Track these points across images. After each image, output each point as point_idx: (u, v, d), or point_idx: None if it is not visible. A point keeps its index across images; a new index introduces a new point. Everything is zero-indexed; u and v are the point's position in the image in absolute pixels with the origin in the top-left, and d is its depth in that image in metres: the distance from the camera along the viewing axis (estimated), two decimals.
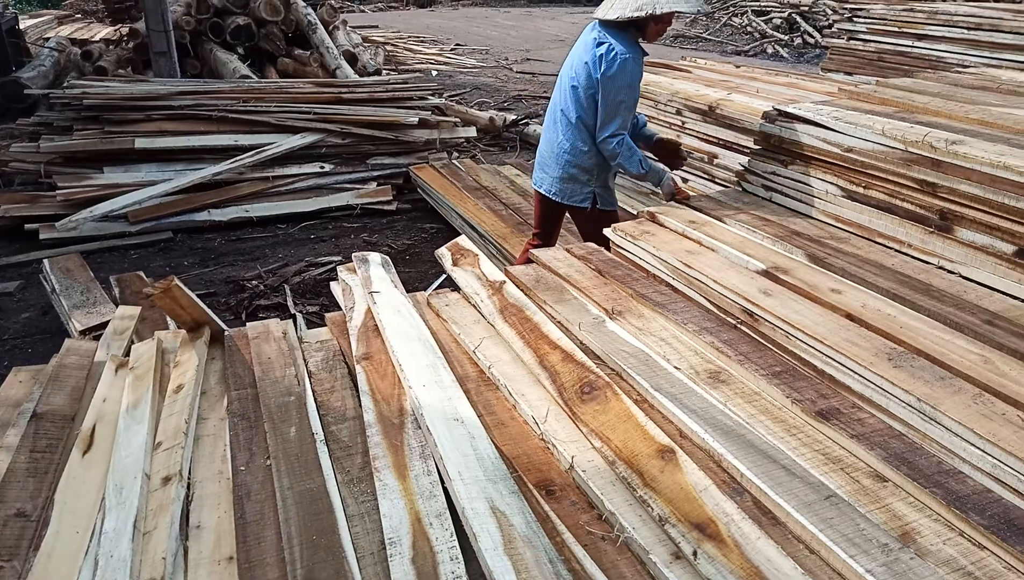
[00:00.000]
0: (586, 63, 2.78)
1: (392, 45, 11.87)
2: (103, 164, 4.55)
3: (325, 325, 2.16)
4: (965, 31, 5.24)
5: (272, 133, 4.81)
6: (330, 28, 7.87)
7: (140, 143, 4.56)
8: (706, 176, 3.94)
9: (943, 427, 1.39)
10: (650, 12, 2.64)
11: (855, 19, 6.09)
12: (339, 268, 2.41)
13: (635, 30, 2.79)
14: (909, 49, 5.60)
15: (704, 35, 14.80)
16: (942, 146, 1.92)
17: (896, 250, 2.03)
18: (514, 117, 6.90)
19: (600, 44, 2.75)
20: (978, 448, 1.33)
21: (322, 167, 4.77)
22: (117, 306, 2.88)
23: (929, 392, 1.45)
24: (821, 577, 1.16)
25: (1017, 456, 1.27)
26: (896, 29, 5.73)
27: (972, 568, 1.15)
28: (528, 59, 12.25)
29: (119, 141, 4.57)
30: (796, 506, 1.28)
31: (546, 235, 3.21)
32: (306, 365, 1.91)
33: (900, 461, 1.38)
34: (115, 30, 8.94)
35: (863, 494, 1.31)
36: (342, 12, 16.83)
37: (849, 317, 1.75)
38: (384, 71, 8.36)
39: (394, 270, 2.36)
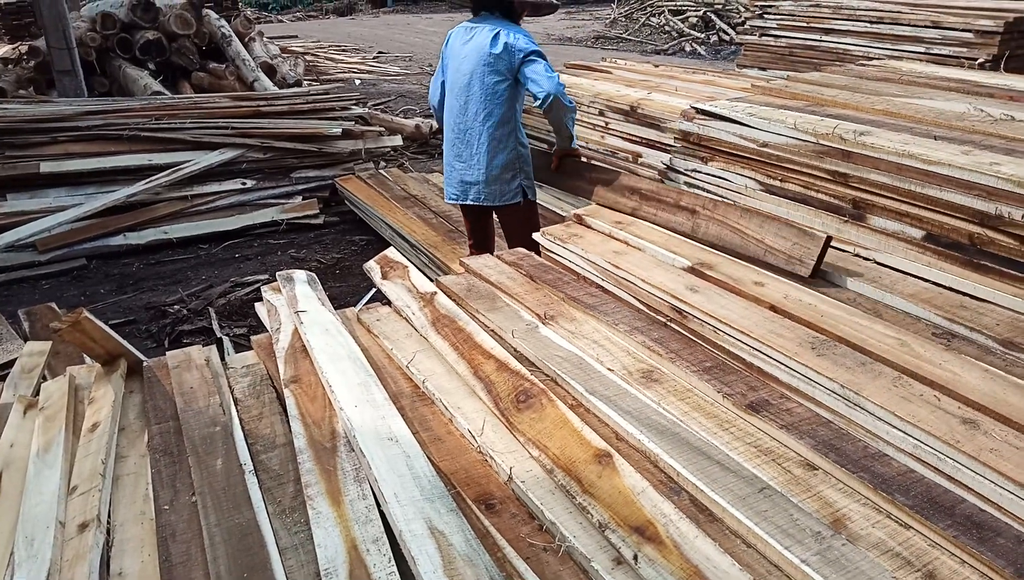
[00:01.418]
0: (495, 56, 2.86)
1: (312, 55, 11.65)
2: (6, 191, 4.31)
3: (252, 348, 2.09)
4: (868, 24, 5.48)
5: (189, 151, 4.64)
6: (246, 40, 7.67)
7: (46, 167, 4.33)
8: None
9: (866, 412, 1.43)
10: None
11: (766, 16, 6.29)
12: (263, 288, 2.33)
13: (511, 16, 3.00)
14: (818, 43, 5.82)
15: (624, 35, 15.07)
16: (851, 137, 1.99)
17: None
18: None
19: (498, 34, 2.88)
20: (900, 430, 1.37)
21: (244, 183, 4.63)
22: (27, 342, 2.72)
23: (851, 378, 1.50)
24: (759, 571, 1.17)
25: (935, 435, 1.32)
26: (804, 24, 5.95)
27: (900, 549, 1.18)
28: None
29: (23, 166, 4.33)
30: (731, 501, 1.29)
31: (481, 242, 3.20)
32: (232, 392, 1.83)
33: (828, 448, 1.41)
34: (14, 48, 8.48)
35: (795, 484, 1.34)
36: (258, 23, 16.42)
37: (773, 309, 1.79)
38: (305, 82, 8.20)
39: (321, 287, 2.30)
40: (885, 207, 1.90)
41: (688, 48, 13.08)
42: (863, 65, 3.01)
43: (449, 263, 3.45)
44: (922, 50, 5.08)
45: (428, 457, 1.53)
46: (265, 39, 8.82)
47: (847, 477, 1.34)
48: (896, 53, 5.21)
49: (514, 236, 3.02)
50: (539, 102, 2.87)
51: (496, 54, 2.87)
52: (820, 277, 1.91)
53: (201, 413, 1.70)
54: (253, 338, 2.15)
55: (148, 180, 4.41)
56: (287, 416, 1.70)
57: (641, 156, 3.96)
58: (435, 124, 6.78)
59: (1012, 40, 4.82)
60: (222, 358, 2.02)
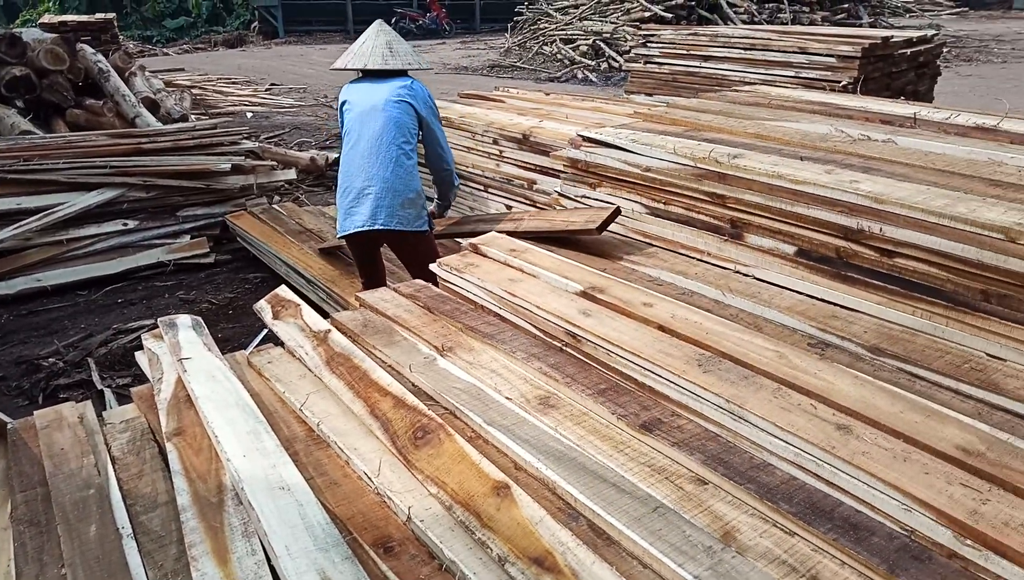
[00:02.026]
0: (411, 95, 3.13)
1: (200, 88, 11.28)
2: None
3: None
4: (742, 51, 5.81)
5: (63, 192, 4.37)
6: (126, 75, 7.34)
7: None
8: (527, 201, 4.05)
9: (750, 424, 1.49)
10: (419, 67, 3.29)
11: (648, 44, 6.57)
12: (144, 336, 2.21)
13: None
14: (698, 69, 6.12)
15: (518, 64, 15.40)
16: (725, 160, 2.09)
17: (698, 259, 2.18)
18: (337, 156, 6.76)
19: (405, 83, 3.16)
20: (781, 440, 1.43)
21: (125, 224, 4.40)
22: None
23: (736, 392, 1.55)
24: None
25: (813, 443, 1.38)
26: (685, 52, 6.25)
27: (785, 556, 1.23)
28: None
29: None
30: (627, 523, 1.30)
31: (374, 277, 3.17)
32: (109, 450, 1.71)
33: (717, 462, 1.46)
34: None
35: (687, 500, 1.37)
36: (142, 56, 15.79)
37: (661, 328, 1.84)
38: (192, 116, 7.91)
39: (207, 331, 2.20)
40: (760, 225, 2.00)
41: (580, 75, 13.50)
42: (736, 91, 3.18)
43: (348, 298, 3.38)
44: (792, 74, 5.43)
45: (323, 503, 1.48)
46: (147, 73, 8.47)
47: (735, 489, 1.39)
48: (769, 77, 5.55)
49: (416, 266, 3.02)
50: (438, 161, 3.22)
51: (412, 94, 3.13)
52: (703, 296, 1.99)
53: (73, 476, 1.58)
54: (133, 390, 2.02)
55: (17, 225, 4.12)
56: (171, 472, 1.61)
57: (536, 183, 4.02)
58: (331, 156, 6.68)
59: (869, 64, 5.24)
60: (100, 414, 1.89)
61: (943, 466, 1.31)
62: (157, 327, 2.25)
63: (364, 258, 3.20)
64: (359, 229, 3.02)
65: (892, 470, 1.31)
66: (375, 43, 3.22)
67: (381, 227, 2.99)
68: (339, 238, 3.18)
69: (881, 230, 1.74)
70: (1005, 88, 10.80)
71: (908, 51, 5.66)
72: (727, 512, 1.34)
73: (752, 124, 2.51)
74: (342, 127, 3.25)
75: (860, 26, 14.08)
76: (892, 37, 5.51)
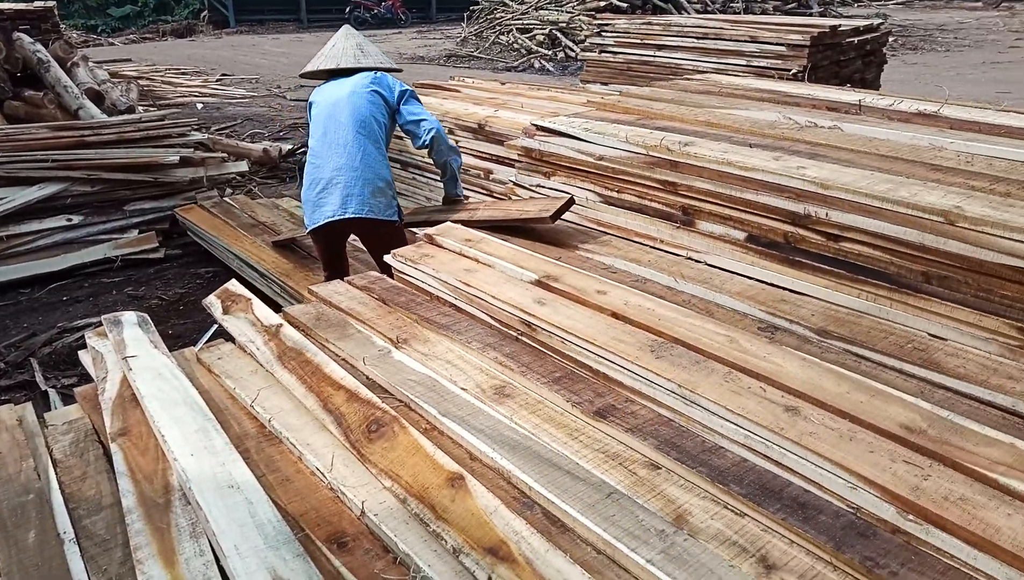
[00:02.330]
0: (377, 84, 3.10)
1: (148, 79, 10.97)
2: None
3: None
4: (695, 40, 5.86)
5: (2, 188, 4.21)
6: (68, 65, 7.07)
7: None
8: (484, 192, 4.03)
9: (702, 408, 1.51)
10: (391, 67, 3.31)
11: (603, 33, 6.59)
12: (87, 334, 2.14)
13: None
14: (652, 58, 6.16)
15: (475, 53, 15.32)
16: (676, 148, 2.10)
17: (652, 246, 2.19)
18: (291, 147, 6.65)
19: (376, 74, 3.17)
20: (732, 423, 1.45)
21: (69, 219, 4.26)
22: None
23: (687, 377, 1.57)
24: (609, 576, 1.19)
25: (762, 425, 1.40)
26: (639, 41, 6.28)
27: (736, 537, 1.25)
28: (302, 86, 11.90)
29: None
30: (581, 510, 1.31)
31: (338, 272, 3.13)
32: (50, 453, 1.66)
33: (670, 446, 1.47)
34: None
35: (640, 485, 1.38)
36: (86, 47, 15.30)
37: (615, 315, 1.85)
38: (140, 108, 7.68)
39: (154, 328, 2.14)
40: (711, 212, 2.02)
41: (537, 65, 13.49)
42: (688, 79, 3.21)
43: (303, 291, 3.33)
44: (744, 63, 5.51)
45: (275, 501, 1.45)
46: (91, 64, 8.19)
47: (687, 473, 1.40)
48: (722, 66, 5.61)
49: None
50: (421, 140, 3.11)
51: (377, 83, 3.11)
52: (656, 283, 2.01)
53: (11, 481, 1.52)
54: (77, 390, 1.96)
55: None
56: (116, 474, 1.56)
57: (492, 172, 4.01)
58: (284, 147, 6.56)
59: (818, 52, 5.33)
60: (42, 415, 1.83)
61: (887, 444, 1.35)
62: (102, 325, 2.18)
63: (330, 251, 3.15)
64: (330, 220, 2.97)
65: (838, 450, 1.33)
66: (345, 44, 3.25)
67: (352, 215, 2.94)
68: (308, 232, 3.12)
69: (827, 215, 1.77)
70: (949, 75, 11.12)
71: (855, 40, 5.78)
72: (679, 496, 1.35)
73: (703, 112, 2.53)
74: (310, 127, 3.23)
75: (810, 15, 14.33)
76: (840, 26, 5.62)
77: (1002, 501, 1.20)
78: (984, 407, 1.44)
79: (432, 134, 3.09)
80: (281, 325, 2.10)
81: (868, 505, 1.26)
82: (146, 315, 2.21)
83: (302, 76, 3.38)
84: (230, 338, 2.15)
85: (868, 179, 1.77)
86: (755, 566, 1.19)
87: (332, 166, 2.97)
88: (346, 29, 3.37)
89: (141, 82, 10.08)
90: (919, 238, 1.62)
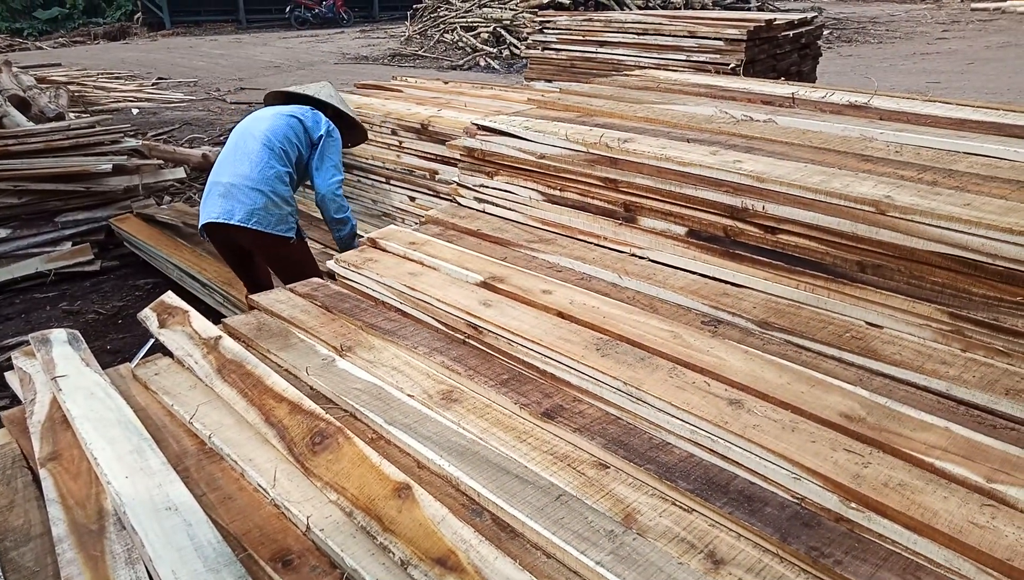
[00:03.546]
0: (298, 119, 3.09)
1: (79, 84, 10.57)
2: None
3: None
4: (636, 36, 5.91)
5: None
6: None
7: None
8: (431, 192, 3.99)
9: (648, 405, 1.51)
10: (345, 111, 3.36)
11: (545, 31, 6.60)
12: (14, 355, 2.04)
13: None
14: (594, 55, 6.19)
15: (420, 52, 15.20)
16: (616, 145, 2.11)
17: (595, 244, 2.19)
18: None
19: (309, 110, 3.17)
20: (677, 418, 1.46)
21: None
22: None
23: (633, 374, 1.57)
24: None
25: (707, 419, 1.41)
26: (581, 38, 6.31)
27: (684, 533, 1.25)
28: (242, 88, 11.65)
29: None
30: (530, 514, 1.30)
31: (256, 282, 3.08)
32: None
33: (618, 445, 1.47)
34: None
35: (589, 485, 1.38)
36: (11, 51, 14.70)
37: (560, 315, 1.84)
38: (71, 114, 7.39)
39: (86, 346, 2.05)
40: (652, 208, 2.03)
41: (483, 63, 13.45)
42: (627, 75, 3.22)
43: (245, 300, 3.25)
44: (683, 58, 5.58)
45: (216, 521, 1.40)
46: (15, 69, 7.86)
47: (635, 471, 1.40)
48: (663, 61, 5.68)
49: (286, 275, 2.94)
50: (317, 194, 3.09)
51: (305, 114, 3.11)
52: (601, 280, 2.01)
53: None
54: (3, 414, 1.87)
55: None
56: (45, 501, 1.49)
57: (438, 173, 3.97)
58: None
59: (755, 46, 5.43)
60: None
61: (828, 433, 1.37)
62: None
63: (230, 259, 3.11)
64: (212, 220, 2.94)
65: (781, 441, 1.35)
66: (321, 85, 3.39)
67: (238, 223, 2.88)
68: (201, 234, 3.08)
69: (764, 208, 1.80)
70: (882, 67, 11.48)
71: (791, 33, 5.91)
72: (628, 494, 1.35)
73: (642, 108, 2.54)
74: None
75: (749, 10, 14.63)
76: (775, 20, 5.73)
77: (939, 485, 1.23)
78: (920, 392, 1.48)
79: (324, 192, 3.04)
80: (220, 337, 2.03)
81: (812, 495, 1.28)
82: (77, 332, 2.12)
83: (266, 98, 3.34)
84: (168, 353, 2.08)
85: (802, 171, 1.80)
86: (703, 562, 1.20)
87: (231, 173, 2.95)
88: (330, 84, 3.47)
89: (71, 87, 9.71)
90: (852, 228, 1.65)
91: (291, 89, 3.29)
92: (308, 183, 3.21)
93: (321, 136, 3.09)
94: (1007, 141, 2.01)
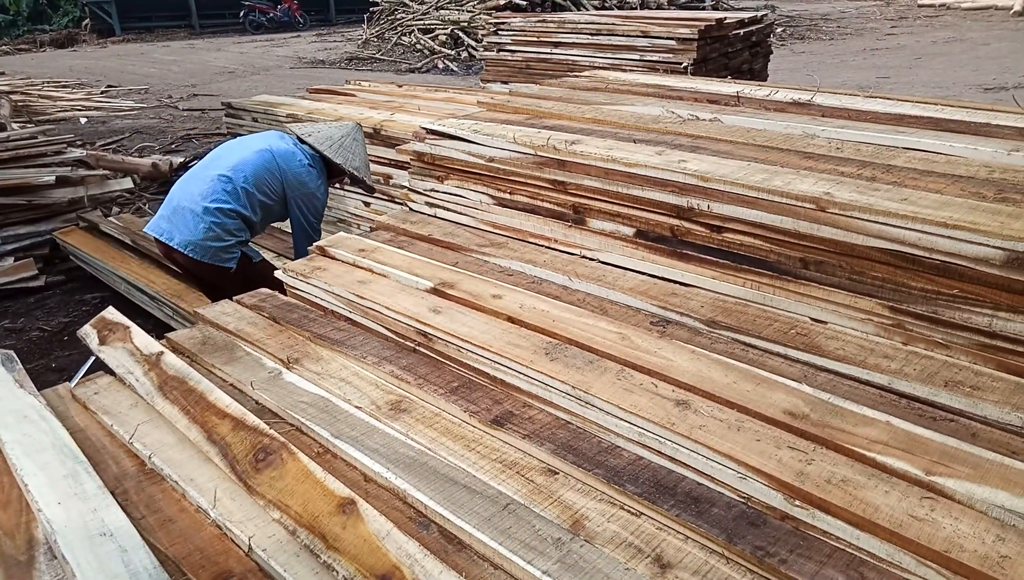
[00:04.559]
0: (277, 164, 2.96)
1: (23, 93, 10.27)
2: None
3: None
4: (590, 36, 5.93)
5: None
6: None
7: None
8: (385, 197, 3.95)
9: (597, 408, 1.50)
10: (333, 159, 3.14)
11: (500, 32, 6.58)
12: None
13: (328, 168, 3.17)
14: (549, 56, 6.19)
15: (377, 55, 15.08)
16: (563, 147, 2.10)
17: (546, 247, 2.18)
18: (182, 159, 6.35)
19: (298, 155, 3.05)
20: (625, 421, 1.45)
21: None
22: None
23: (581, 378, 1.56)
24: None
25: (654, 421, 1.41)
26: (535, 39, 6.31)
27: (632, 538, 1.24)
28: (195, 95, 11.44)
29: None
30: (477, 525, 1.28)
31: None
32: None
33: (567, 450, 1.46)
34: None
35: (537, 493, 1.36)
36: None
37: (510, 320, 1.82)
38: (15, 125, 7.16)
39: (20, 367, 1.98)
40: (600, 209, 2.03)
41: (441, 65, 13.39)
42: (576, 77, 3.22)
43: (193, 313, 3.17)
44: (637, 57, 5.61)
45: (155, 545, 1.36)
46: None
47: (584, 475, 1.39)
48: (617, 61, 5.70)
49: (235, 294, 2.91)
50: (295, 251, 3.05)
51: (290, 162, 2.98)
52: (552, 283, 2.00)
53: None
54: None
55: None
56: None
57: (392, 177, 3.93)
58: (176, 160, 6.26)
59: (707, 45, 5.49)
60: None
61: (773, 431, 1.37)
62: None
63: (180, 270, 3.07)
64: (151, 233, 2.95)
65: (727, 441, 1.35)
66: (341, 128, 3.25)
67: (176, 246, 2.85)
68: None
69: (709, 207, 1.80)
70: (833, 63, 11.71)
71: (741, 31, 5.99)
72: (576, 500, 1.34)
73: (590, 109, 2.54)
74: None
75: (703, 9, 14.81)
76: (726, 19, 5.80)
77: (880, 479, 1.24)
78: (862, 387, 1.49)
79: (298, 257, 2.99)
80: (162, 353, 1.98)
81: (757, 494, 1.28)
82: (11, 353, 2.04)
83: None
84: (110, 370, 2.02)
85: (745, 170, 1.81)
86: (650, 566, 1.19)
87: (182, 192, 2.93)
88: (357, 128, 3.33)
89: (14, 97, 9.42)
90: (794, 225, 1.66)
91: (301, 133, 3.13)
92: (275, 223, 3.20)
93: (305, 187, 3.01)
94: (943, 136, 2.05)
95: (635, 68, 5.40)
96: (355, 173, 3.20)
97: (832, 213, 1.61)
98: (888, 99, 2.51)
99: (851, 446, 1.30)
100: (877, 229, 1.56)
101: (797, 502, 1.24)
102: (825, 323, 1.67)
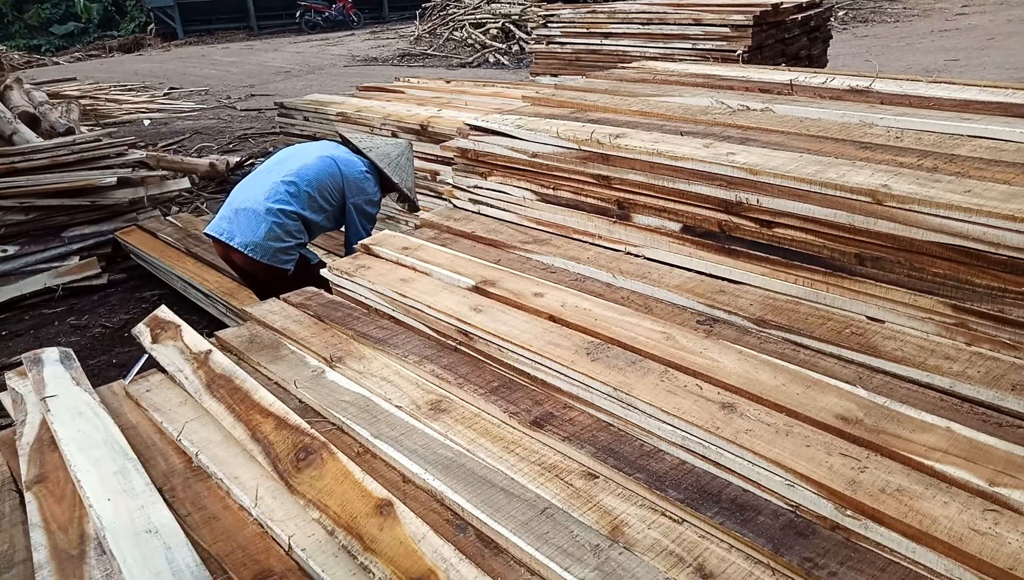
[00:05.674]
0: (340, 171, 3.02)
1: (92, 98, 10.69)
2: None
3: None
4: (641, 26, 5.82)
5: None
6: (1, 89, 6.86)
7: None
8: (432, 193, 3.96)
9: (639, 411, 1.46)
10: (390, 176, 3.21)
11: (549, 24, 6.52)
12: (7, 375, 2.04)
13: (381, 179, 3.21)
14: (599, 47, 6.11)
15: (429, 51, 15.17)
16: (607, 141, 2.05)
17: (590, 243, 2.14)
18: (239, 158, 6.50)
19: (358, 164, 3.11)
20: (669, 424, 1.41)
21: (4, 250, 4.11)
22: None
23: (623, 379, 1.52)
24: None
25: (698, 425, 1.36)
26: (585, 30, 6.23)
27: (673, 546, 1.20)
28: (253, 95, 11.71)
29: None
30: (514, 529, 1.26)
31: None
32: None
33: (607, 453, 1.42)
34: None
35: (576, 497, 1.33)
36: (29, 67, 14.88)
37: (552, 318, 1.79)
38: (83, 129, 7.46)
39: (77, 365, 2.04)
40: (645, 204, 1.97)
41: (492, 59, 13.38)
42: (624, 68, 3.16)
43: (247, 310, 3.23)
44: (689, 46, 5.48)
45: (198, 542, 1.38)
46: (28, 85, 7.95)
47: (625, 480, 1.36)
48: (668, 51, 5.58)
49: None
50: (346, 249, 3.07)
51: (351, 171, 3.03)
52: (595, 280, 1.96)
53: None
54: None
55: None
56: (29, 525, 1.47)
57: (439, 174, 3.94)
58: (232, 160, 6.41)
59: (762, 31, 5.32)
60: None
61: (823, 436, 1.31)
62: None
63: (237, 271, 3.12)
64: (212, 233, 2.99)
65: (775, 446, 1.29)
66: (408, 162, 3.34)
67: (237, 246, 2.88)
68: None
69: (758, 201, 1.73)
70: (898, 47, 11.24)
71: (799, 16, 5.79)
72: (616, 506, 1.31)
73: (637, 101, 2.48)
74: None
75: None
76: (782, 3, 5.61)
77: (939, 489, 1.17)
78: (922, 390, 1.41)
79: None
80: (210, 351, 2.01)
81: (807, 502, 1.23)
82: (70, 350, 2.11)
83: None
84: (162, 368, 2.07)
85: (796, 162, 1.73)
86: (692, 576, 1.15)
87: (244, 195, 2.97)
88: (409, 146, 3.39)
89: (84, 101, 9.82)
90: (849, 220, 1.58)
91: (361, 146, 3.20)
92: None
93: (352, 190, 3.06)
94: (1013, 122, 1.92)
95: (687, 57, 5.27)
96: (407, 193, 3.27)
97: (890, 206, 1.53)
98: (953, 84, 2.38)
99: (908, 453, 1.23)
100: (938, 223, 1.47)
101: (848, 512, 1.18)
102: (882, 322, 1.59)
